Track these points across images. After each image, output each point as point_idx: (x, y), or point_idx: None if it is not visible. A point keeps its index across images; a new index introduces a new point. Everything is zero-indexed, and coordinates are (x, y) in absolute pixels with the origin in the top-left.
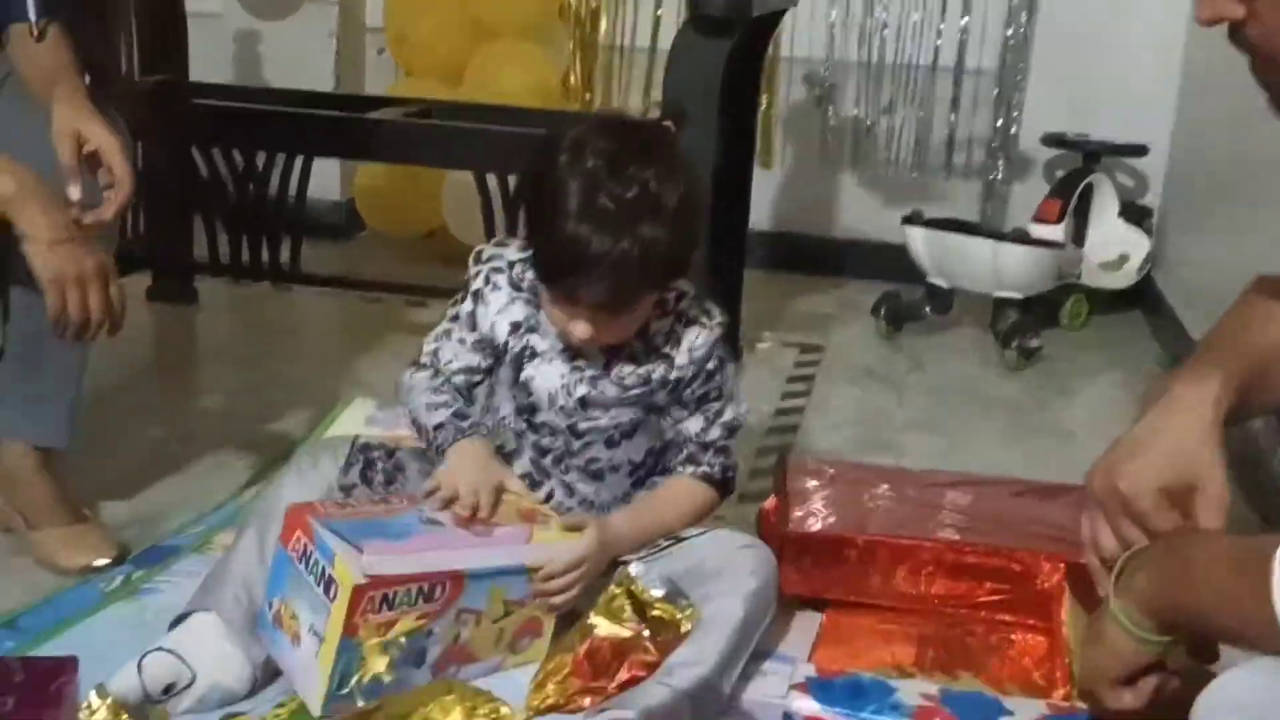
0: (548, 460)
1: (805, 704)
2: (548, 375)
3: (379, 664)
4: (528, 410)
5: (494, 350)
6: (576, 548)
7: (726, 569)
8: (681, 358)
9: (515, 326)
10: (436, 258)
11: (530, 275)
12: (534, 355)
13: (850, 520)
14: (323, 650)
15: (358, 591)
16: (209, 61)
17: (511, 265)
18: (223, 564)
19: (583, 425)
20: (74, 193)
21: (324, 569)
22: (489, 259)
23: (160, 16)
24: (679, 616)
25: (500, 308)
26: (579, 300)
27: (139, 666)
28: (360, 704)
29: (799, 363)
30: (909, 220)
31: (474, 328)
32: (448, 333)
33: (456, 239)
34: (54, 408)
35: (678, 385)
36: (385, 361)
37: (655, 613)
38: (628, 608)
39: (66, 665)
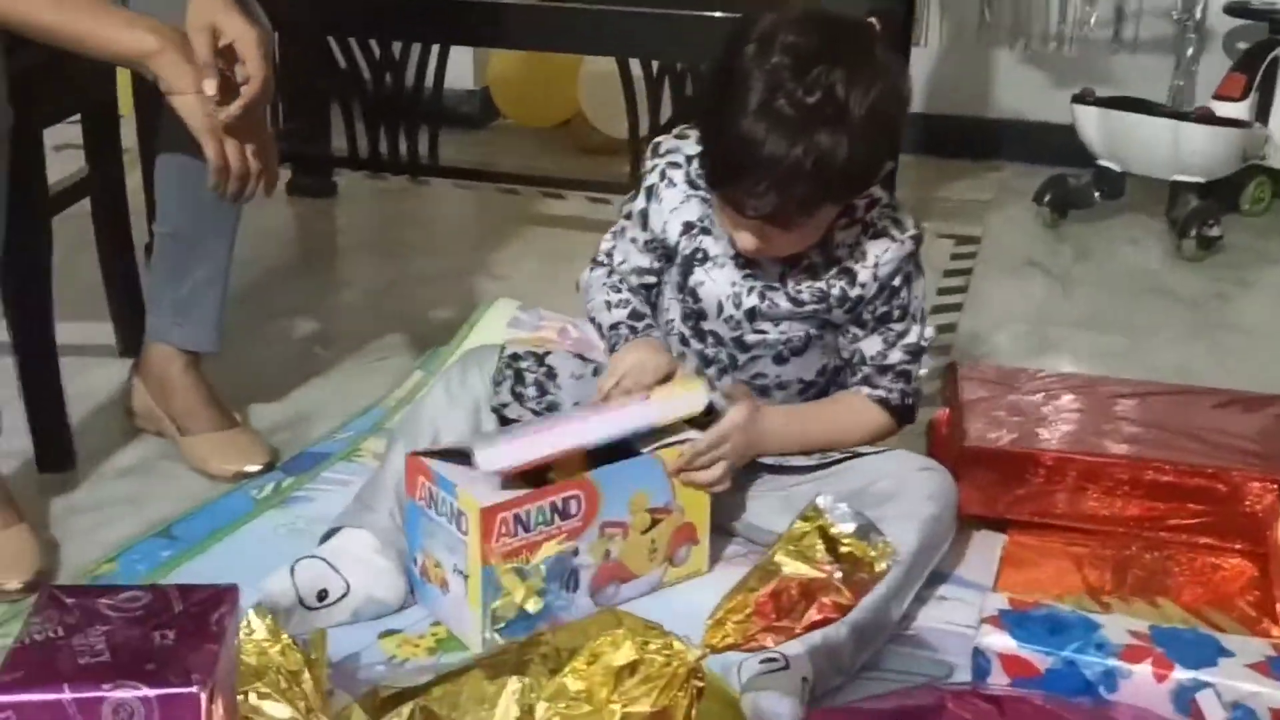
0: (712, 370)
1: (999, 639)
2: (717, 281)
3: (528, 592)
4: (694, 316)
5: (666, 250)
6: (723, 424)
7: (902, 492)
8: (864, 274)
9: (689, 227)
10: (572, 147)
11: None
12: (705, 259)
13: (1033, 434)
14: (469, 586)
15: (486, 515)
16: None
17: (690, 160)
18: (373, 480)
19: (750, 338)
20: (209, 87)
21: (451, 504)
22: (666, 152)
23: None
24: (872, 554)
25: (675, 205)
26: (745, 209)
27: (292, 571)
28: (521, 637)
29: (955, 255)
30: (1080, 99)
31: (645, 226)
32: (622, 230)
33: (593, 128)
34: (202, 311)
35: (858, 303)
36: (523, 255)
37: (847, 549)
38: (819, 546)
39: (226, 595)
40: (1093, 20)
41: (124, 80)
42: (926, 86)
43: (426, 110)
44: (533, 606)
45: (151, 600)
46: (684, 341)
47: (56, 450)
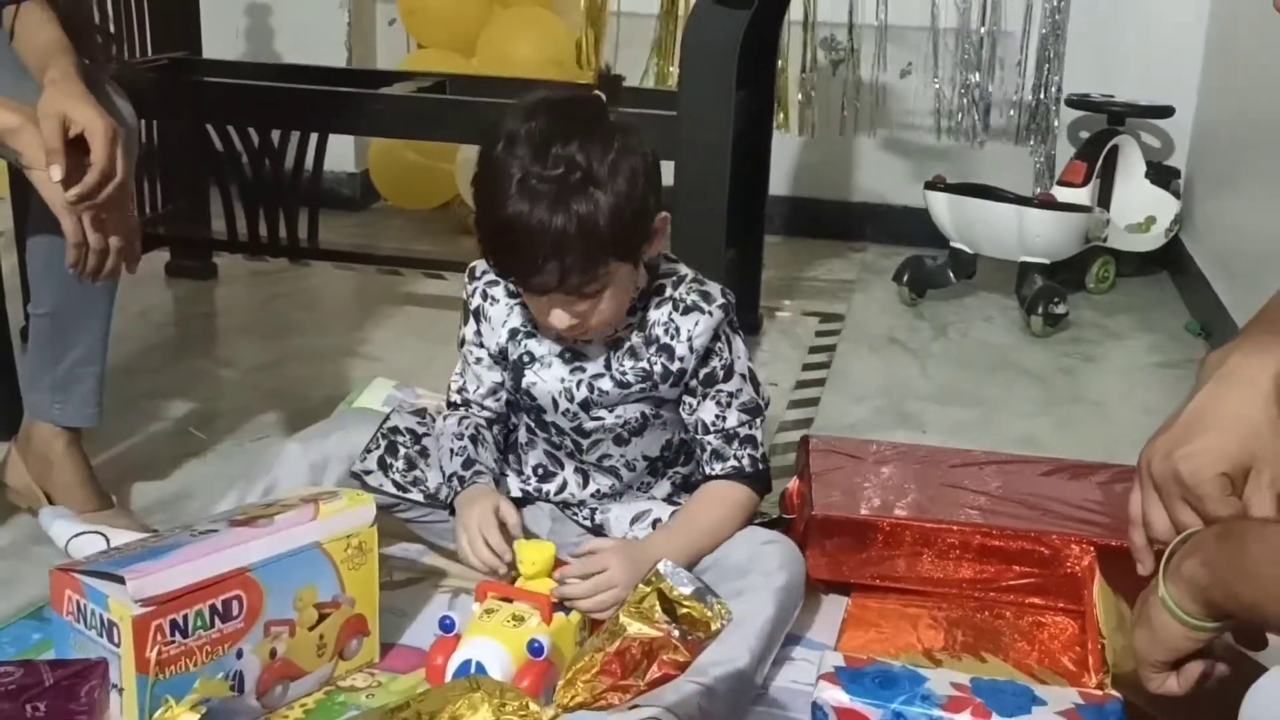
0: (561, 453)
1: (834, 694)
2: (546, 380)
3: (188, 704)
4: (534, 411)
5: (505, 359)
6: (601, 579)
7: (753, 565)
8: (681, 347)
9: (514, 333)
10: (452, 229)
11: None
12: (532, 360)
13: (876, 502)
14: (125, 701)
15: (139, 624)
16: (221, 35)
17: None
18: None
19: (588, 425)
20: (56, 172)
21: (102, 616)
22: (483, 274)
23: None
24: (709, 615)
25: (503, 318)
26: (537, 288)
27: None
28: (388, 703)
29: (820, 332)
30: (931, 185)
31: (483, 344)
32: (464, 362)
33: (470, 210)
34: (81, 389)
35: (681, 376)
36: (403, 334)
37: (685, 611)
38: (658, 607)
39: (95, 669)
40: (950, 109)
41: None
42: (793, 171)
43: (306, 193)
44: (192, 719)
45: (23, 675)
46: (531, 432)
47: None
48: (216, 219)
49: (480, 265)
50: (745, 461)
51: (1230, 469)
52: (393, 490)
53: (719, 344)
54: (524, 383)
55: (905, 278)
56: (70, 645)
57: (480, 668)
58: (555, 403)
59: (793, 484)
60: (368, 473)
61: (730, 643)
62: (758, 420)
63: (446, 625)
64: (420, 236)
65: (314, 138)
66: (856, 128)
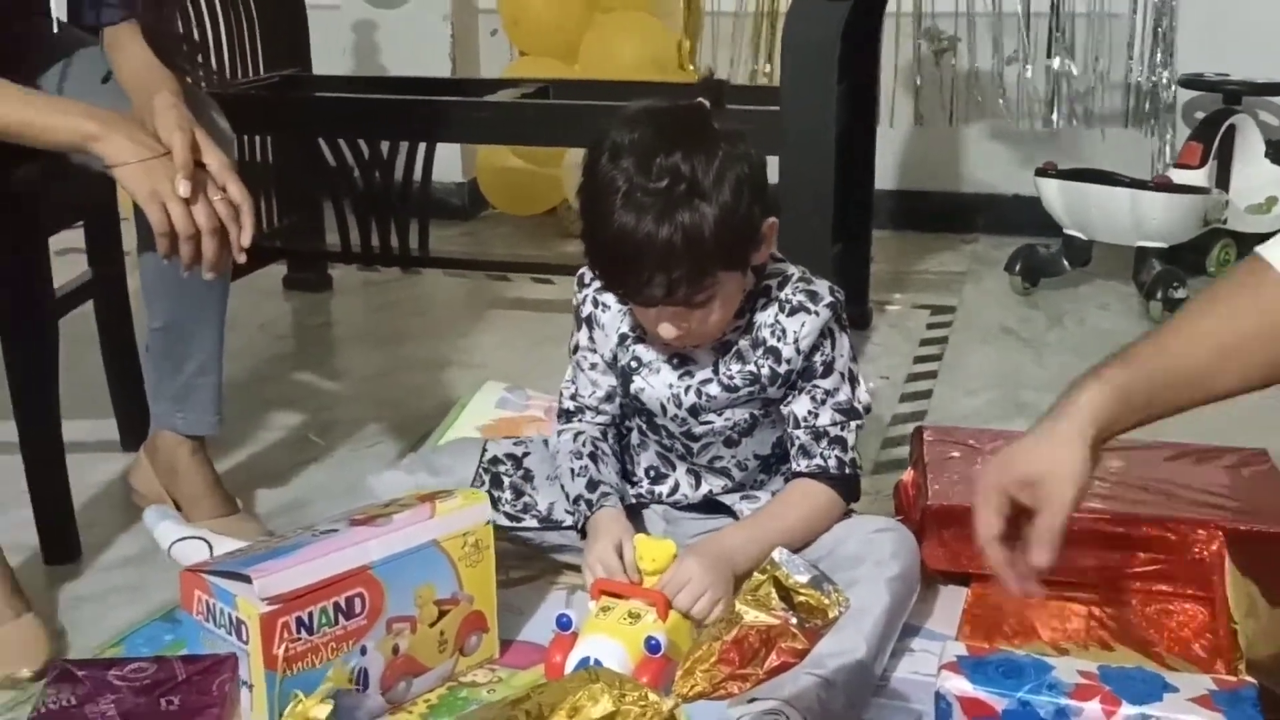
0: (672, 455)
1: (957, 683)
2: (655, 386)
3: (316, 698)
4: (645, 415)
5: (614, 368)
6: (691, 587)
7: (867, 554)
8: (788, 349)
9: (623, 338)
10: (559, 234)
11: None
12: (640, 365)
13: None
14: (254, 697)
15: (266, 621)
16: (329, 52)
17: None
18: None
19: (698, 430)
20: (183, 188)
21: (230, 615)
22: (592, 281)
23: (282, 11)
24: (826, 602)
25: (616, 325)
26: (645, 301)
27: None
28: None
29: (931, 324)
30: (1042, 172)
31: (595, 350)
32: (577, 366)
33: (575, 216)
34: (200, 398)
35: (789, 378)
36: (512, 339)
37: (802, 599)
38: (774, 594)
39: (226, 663)
40: (1059, 95)
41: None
42: (899, 163)
43: (416, 203)
44: (322, 713)
45: (157, 670)
46: (643, 434)
47: (62, 543)
48: (330, 232)
49: (589, 272)
50: (831, 462)
51: (1019, 488)
52: (506, 523)
53: (824, 341)
54: (633, 388)
55: (1018, 267)
56: (201, 644)
57: (598, 665)
58: (664, 408)
59: (907, 476)
60: None
61: (847, 634)
62: (852, 423)
63: (564, 623)
64: (527, 242)
65: (422, 148)
66: (964, 117)
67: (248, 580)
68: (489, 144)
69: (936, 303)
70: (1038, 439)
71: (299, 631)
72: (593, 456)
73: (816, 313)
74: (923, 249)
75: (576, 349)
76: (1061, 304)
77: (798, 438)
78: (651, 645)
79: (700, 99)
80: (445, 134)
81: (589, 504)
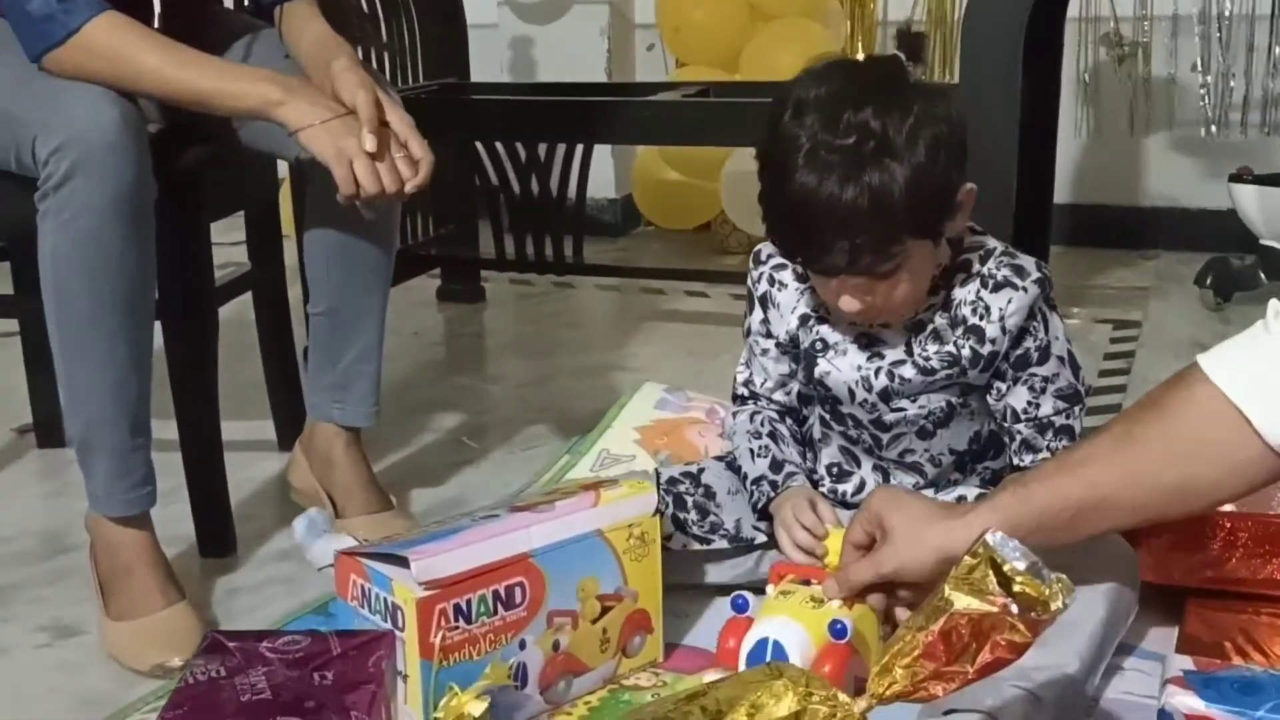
0: (858, 449)
1: (1186, 700)
2: (842, 369)
3: (470, 693)
4: (829, 402)
5: (796, 349)
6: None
7: (1080, 562)
8: (992, 328)
9: (805, 319)
10: (714, 249)
11: None
12: (825, 348)
13: None
14: (409, 687)
15: (423, 606)
16: (487, 67)
17: None
18: None
19: (889, 418)
20: (370, 142)
21: (386, 600)
22: (768, 258)
23: (443, 24)
24: (1046, 593)
25: (793, 304)
26: (826, 270)
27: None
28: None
29: (1115, 339)
30: (1237, 178)
31: (770, 334)
32: (751, 351)
33: (734, 227)
34: (358, 389)
35: (993, 359)
36: (668, 350)
37: (1019, 588)
38: (992, 577)
39: (383, 640)
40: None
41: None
42: (1075, 176)
43: (571, 215)
44: (477, 710)
45: (310, 644)
46: (825, 426)
47: (218, 536)
48: (485, 246)
49: (766, 249)
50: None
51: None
52: (699, 548)
53: (1034, 323)
54: (817, 372)
55: (1209, 280)
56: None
57: (778, 647)
58: (851, 393)
59: None
60: (668, 536)
61: (1057, 647)
62: (1076, 409)
63: (739, 605)
64: (681, 257)
65: (578, 156)
66: (1146, 127)
67: (405, 563)
68: (650, 144)
69: (1120, 317)
70: (924, 523)
71: (457, 620)
72: (772, 436)
73: (1024, 288)
74: (1101, 264)
75: (749, 332)
76: (1258, 319)
77: (1019, 432)
78: (837, 630)
79: (897, 53)
80: (606, 135)
81: (773, 485)
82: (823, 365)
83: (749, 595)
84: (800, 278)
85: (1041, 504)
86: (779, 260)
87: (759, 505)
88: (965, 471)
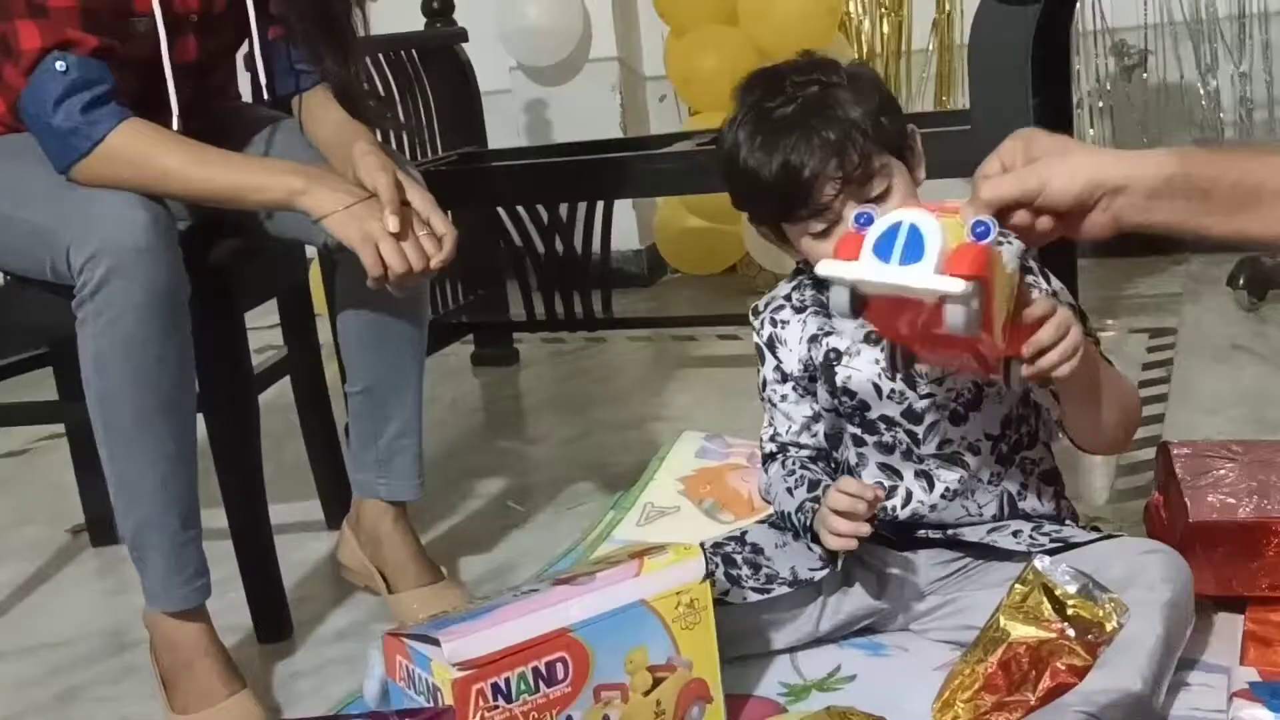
0: (895, 457)
1: (1254, 712)
2: (861, 368)
3: None
4: (858, 411)
5: (812, 376)
6: (1064, 316)
7: (1135, 577)
8: None
9: (813, 339)
10: (742, 290)
11: (810, 293)
12: (839, 356)
13: (1261, 504)
14: None
15: (460, 686)
16: (503, 133)
17: (789, 297)
18: None
19: (919, 405)
20: (393, 224)
21: (427, 680)
22: (766, 305)
23: (457, 96)
24: (1100, 614)
25: (797, 333)
26: (823, 200)
27: None
28: None
29: (1151, 348)
30: None
31: (785, 378)
32: (769, 402)
33: (758, 270)
34: (402, 463)
35: None
36: (704, 396)
37: (1072, 609)
38: (1046, 603)
39: (444, 714)
40: (1262, 101)
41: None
42: None
43: (597, 270)
44: None
45: None
46: (859, 443)
47: (274, 621)
48: (515, 308)
49: (761, 302)
50: None
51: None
52: (758, 598)
53: (1030, 276)
54: (838, 381)
55: (1241, 281)
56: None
57: (914, 232)
58: (878, 389)
59: (1155, 498)
60: (725, 593)
61: (1118, 667)
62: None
63: (863, 220)
64: (710, 302)
65: (600, 212)
66: (1159, 133)
67: (438, 644)
68: (669, 195)
69: (1155, 325)
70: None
71: (495, 698)
72: (805, 468)
73: (1010, 241)
74: (1130, 273)
75: (764, 386)
76: None
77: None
78: (980, 231)
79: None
80: (625, 190)
81: (815, 501)
82: (842, 372)
83: (874, 210)
84: (798, 309)
85: (1221, 167)
86: (774, 304)
87: (808, 525)
88: (1006, 464)
